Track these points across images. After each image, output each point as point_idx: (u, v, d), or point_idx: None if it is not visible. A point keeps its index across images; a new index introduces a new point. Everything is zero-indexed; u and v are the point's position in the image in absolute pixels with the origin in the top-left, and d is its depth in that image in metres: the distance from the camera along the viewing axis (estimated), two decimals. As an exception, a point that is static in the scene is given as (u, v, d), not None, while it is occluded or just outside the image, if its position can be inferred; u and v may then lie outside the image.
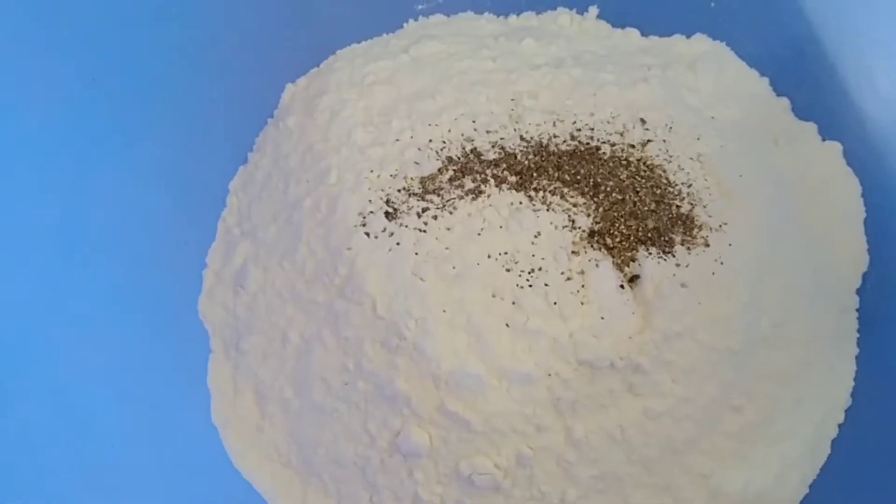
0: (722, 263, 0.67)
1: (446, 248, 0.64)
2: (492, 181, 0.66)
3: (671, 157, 0.70)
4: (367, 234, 0.65)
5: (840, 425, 0.66)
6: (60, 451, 0.55)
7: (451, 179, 0.66)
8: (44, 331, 0.57)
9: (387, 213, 0.65)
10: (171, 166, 0.68)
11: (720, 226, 0.68)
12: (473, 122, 0.70)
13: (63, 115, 0.60)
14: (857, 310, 0.70)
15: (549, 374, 0.61)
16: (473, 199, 0.65)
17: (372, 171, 0.67)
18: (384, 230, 0.65)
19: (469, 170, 0.67)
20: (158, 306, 0.65)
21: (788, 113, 0.75)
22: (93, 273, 0.61)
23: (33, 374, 0.56)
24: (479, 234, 0.64)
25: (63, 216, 0.60)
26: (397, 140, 0.69)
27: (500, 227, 0.64)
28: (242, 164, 0.74)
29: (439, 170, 0.67)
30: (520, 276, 0.63)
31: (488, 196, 0.65)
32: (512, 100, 0.71)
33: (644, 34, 0.79)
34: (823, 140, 0.73)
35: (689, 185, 0.68)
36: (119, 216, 0.64)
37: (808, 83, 0.74)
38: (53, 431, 0.55)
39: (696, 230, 0.66)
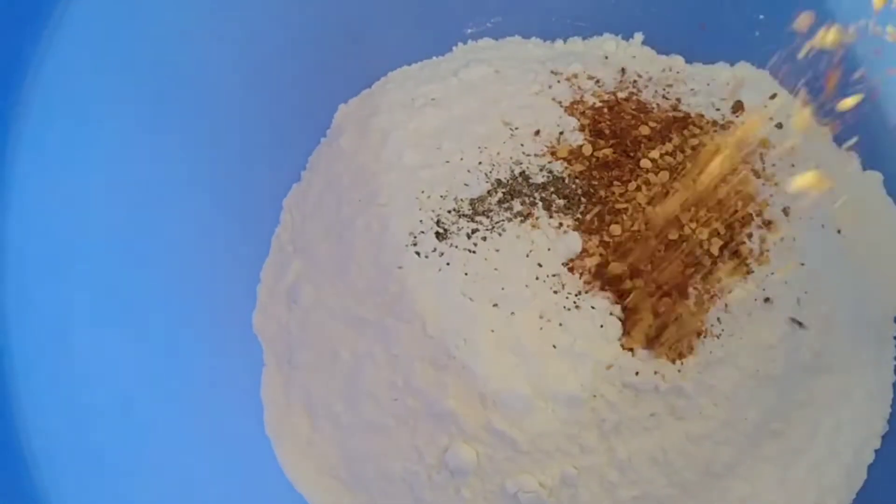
0: (764, 290, 0.69)
1: (495, 269, 0.65)
2: (540, 204, 0.68)
3: (722, 184, 0.71)
4: (418, 253, 0.66)
5: (877, 451, 0.68)
6: (118, 461, 0.57)
7: (499, 202, 0.68)
8: (103, 344, 0.59)
9: (437, 234, 0.67)
10: (227, 183, 0.69)
11: (763, 253, 0.69)
12: (522, 145, 0.71)
13: (128, 131, 0.62)
14: (895, 338, 0.71)
15: (595, 396, 0.63)
16: (522, 221, 0.67)
17: (423, 192, 0.69)
18: (434, 250, 0.66)
19: (517, 192, 0.68)
20: (214, 320, 0.66)
21: (830, 142, 0.76)
22: (151, 287, 0.63)
23: (91, 386, 0.57)
24: (527, 256, 0.66)
25: (124, 233, 0.62)
26: (447, 162, 0.71)
27: (548, 249, 0.66)
28: (296, 181, 0.75)
29: (488, 192, 0.69)
30: (567, 298, 0.65)
31: (537, 219, 0.67)
32: (558, 125, 0.72)
33: (688, 62, 0.81)
34: (865, 170, 0.75)
35: (735, 213, 0.70)
36: (177, 231, 0.66)
37: (849, 113, 0.74)
38: (112, 442, 0.57)
39: (740, 258, 0.68)
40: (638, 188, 0.68)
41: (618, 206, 0.67)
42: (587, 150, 0.70)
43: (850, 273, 0.71)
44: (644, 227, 0.67)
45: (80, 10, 0.53)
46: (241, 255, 0.71)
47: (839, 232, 0.73)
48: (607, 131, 0.72)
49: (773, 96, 0.78)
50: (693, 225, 0.68)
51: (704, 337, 0.65)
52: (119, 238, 0.60)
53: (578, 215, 0.67)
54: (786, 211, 0.72)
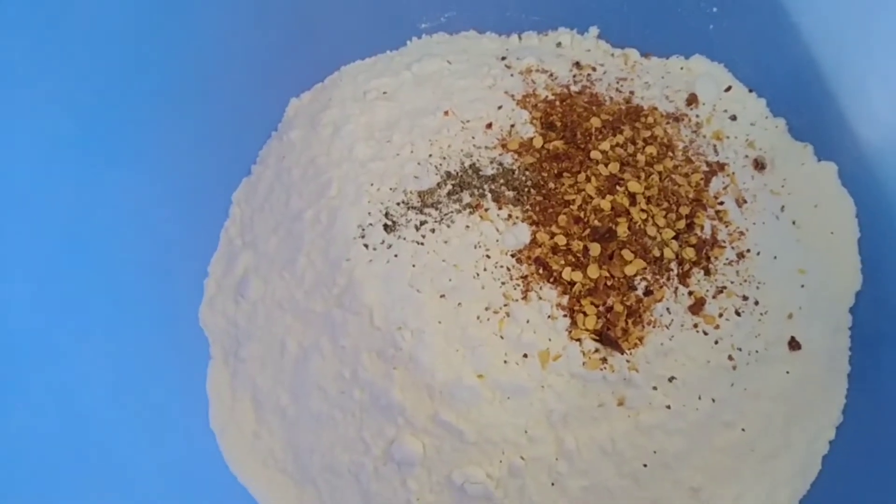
0: (717, 280, 0.68)
1: (443, 261, 0.65)
2: (489, 196, 0.67)
3: (674, 175, 0.71)
4: (366, 245, 0.66)
5: (831, 442, 0.67)
6: (59, 452, 0.56)
7: (449, 194, 0.68)
8: (46, 334, 0.58)
9: (385, 226, 0.67)
10: (176, 177, 0.69)
11: (715, 244, 0.69)
12: (473, 138, 0.71)
13: (71, 127, 0.62)
14: (850, 328, 0.70)
15: (542, 387, 0.62)
16: (470, 213, 0.67)
17: (372, 185, 0.69)
18: (383, 242, 0.66)
19: (467, 184, 0.68)
20: (160, 313, 0.66)
21: (785, 133, 0.76)
22: (96, 279, 0.62)
23: (35, 377, 0.57)
24: (475, 248, 0.65)
25: (69, 224, 0.61)
26: (397, 155, 0.70)
27: (497, 240, 0.66)
28: (246, 175, 0.75)
29: (438, 184, 0.68)
30: (514, 289, 0.64)
31: (486, 210, 0.67)
32: (509, 118, 0.72)
33: (643, 55, 0.80)
34: (819, 161, 0.74)
35: (687, 204, 0.69)
36: (124, 224, 0.65)
37: (804, 105, 0.75)
38: (53, 433, 0.56)
39: (692, 249, 0.68)
40: (587, 179, 0.68)
41: (567, 197, 0.67)
42: (538, 142, 0.70)
43: (806, 263, 0.71)
44: (593, 218, 0.66)
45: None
46: (189, 249, 0.70)
47: (794, 223, 0.73)
48: (558, 124, 0.72)
49: (728, 89, 0.78)
50: (643, 216, 0.67)
51: (654, 327, 0.65)
52: (62, 230, 0.60)
53: (527, 207, 0.67)
54: (739, 202, 0.72)
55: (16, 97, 0.57)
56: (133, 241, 0.66)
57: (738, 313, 0.68)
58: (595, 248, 0.65)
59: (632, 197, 0.68)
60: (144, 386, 0.63)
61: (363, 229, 0.67)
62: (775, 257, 0.70)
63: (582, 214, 0.67)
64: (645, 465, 0.63)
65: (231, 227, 0.73)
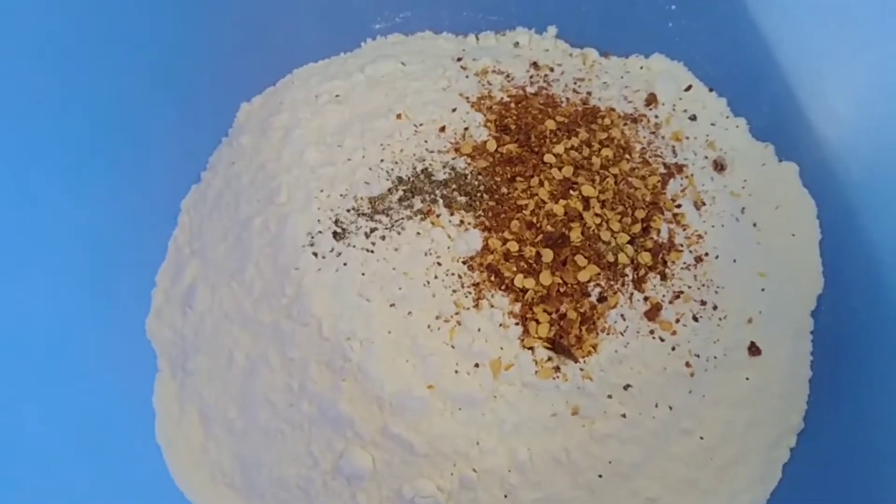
0: (674, 284, 0.67)
1: (393, 269, 0.64)
2: (441, 201, 0.66)
3: (631, 177, 0.70)
4: (315, 254, 0.65)
5: (792, 449, 0.66)
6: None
7: (400, 200, 0.66)
8: None
9: (335, 234, 0.65)
10: (122, 184, 0.67)
11: (672, 248, 0.68)
12: (426, 141, 0.70)
13: (9, 132, 0.60)
14: (812, 332, 0.69)
15: (494, 397, 0.61)
16: (422, 219, 0.65)
17: (322, 191, 0.67)
18: (332, 250, 0.64)
19: (419, 190, 0.67)
20: (106, 325, 0.64)
21: (746, 133, 0.75)
22: (41, 288, 0.61)
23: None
24: (426, 255, 0.64)
25: (11, 231, 0.60)
26: (349, 160, 0.69)
27: (448, 247, 0.64)
28: (195, 182, 0.74)
29: (389, 190, 0.67)
30: (466, 297, 0.63)
31: (437, 216, 0.65)
32: (464, 121, 0.71)
33: (602, 54, 0.79)
34: (781, 161, 0.73)
35: (643, 208, 0.68)
36: (69, 233, 0.64)
37: (765, 104, 0.73)
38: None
39: (648, 253, 0.66)
40: (540, 183, 0.67)
41: (519, 202, 0.66)
42: (491, 145, 0.69)
43: (766, 266, 0.70)
44: (546, 223, 0.65)
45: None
46: (135, 258, 0.68)
47: (754, 225, 0.71)
48: (513, 126, 0.70)
49: (688, 88, 0.76)
50: (597, 221, 0.66)
51: (608, 334, 0.64)
52: (4, 239, 0.58)
53: (480, 212, 0.66)
54: (697, 204, 0.70)
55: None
56: (77, 251, 0.64)
57: (695, 319, 0.67)
58: (547, 254, 0.64)
59: (585, 201, 0.66)
60: (88, 399, 0.61)
61: (312, 237, 0.65)
62: (735, 260, 0.69)
63: (535, 220, 0.65)
64: (600, 476, 0.62)
65: (180, 236, 0.71)
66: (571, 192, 0.67)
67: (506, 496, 0.61)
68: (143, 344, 0.67)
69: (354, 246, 0.64)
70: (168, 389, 0.66)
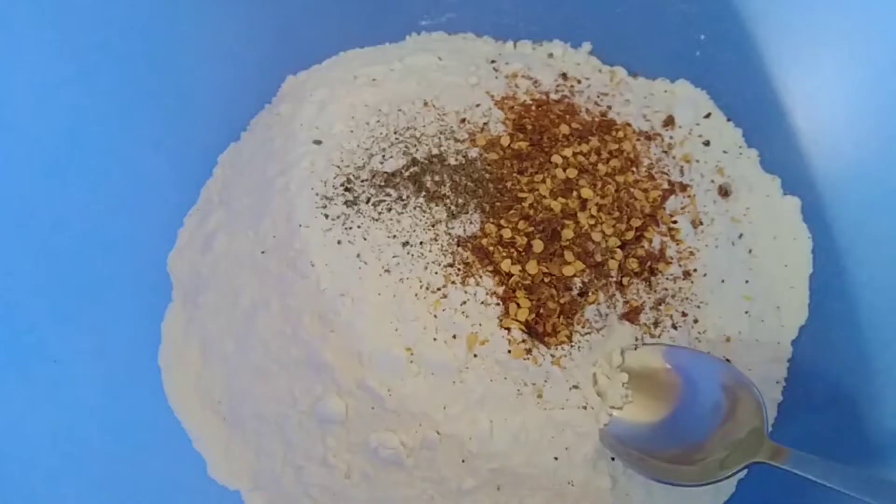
0: (657, 293, 0.70)
1: (393, 237, 0.68)
2: (448, 184, 0.71)
3: (633, 188, 0.74)
4: (326, 216, 0.70)
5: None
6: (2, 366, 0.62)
7: (411, 177, 0.71)
8: (21, 267, 0.64)
9: (346, 201, 0.71)
10: (169, 131, 0.75)
11: (661, 259, 0.71)
12: (446, 130, 0.75)
13: (70, 66, 0.68)
14: (789, 360, 0.71)
15: (467, 368, 0.65)
16: (428, 198, 0.70)
17: (342, 161, 0.73)
18: (340, 215, 0.70)
19: (430, 171, 0.72)
20: (132, 253, 0.71)
21: (756, 165, 0.77)
22: (78, 214, 0.68)
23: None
24: (425, 230, 0.69)
25: (57, 158, 0.67)
26: (371, 136, 0.75)
27: (448, 226, 0.69)
28: (235, 140, 0.81)
29: (403, 167, 0.72)
30: (456, 273, 0.67)
31: (442, 196, 0.70)
32: (485, 116, 0.76)
33: (631, 74, 0.83)
34: (785, 194, 0.75)
35: (639, 217, 0.72)
36: (114, 167, 0.71)
37: (778, 139, 0.76)
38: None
39: (636, 260, 0.70)
40: (543, 180, 0.71)
41: (520, 195, 0.70)
42: (505, 141, 0.73)
43: (753, 291, 0.72)
44: (542, 217, 0.69)
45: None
46: (170, 199, 0.76)
47: (750, 251, 0.74)
48: (529, 127, 0.75)
49: (708, 115, 0.79)
50: (591, 222, 0.70)
51: (583, 328, 0.67)
52: (50, 164, 0.66)
53: (482, 199, 0.70)
54: (695, 223, 0.73)
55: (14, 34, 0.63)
56: (119, 184, 0.72)
57: (674, 327, 0.69)
58: (538, 245, 0.68)
59: (583, 202, 0.70)
60: (103, 312, 0.68)
61: (326, 200, 0.71)
62: (723, 281, 0.72)
63: (532, 212, 0.69)
64: (556, 459, 0.65)
65: (212, 186, 0.78)
66: (571, 192, 0.71)
67: (463, 461, 0.64)
68: (162, 275, 0.74)
69: (361, 213, 0.70)
70: (177, 319, 0.73)
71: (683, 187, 0.75)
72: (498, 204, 0.70)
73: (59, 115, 0.67)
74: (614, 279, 0.69)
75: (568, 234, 0.68)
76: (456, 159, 0.73)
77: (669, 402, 0.65)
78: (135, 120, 0.73)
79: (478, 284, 0.67)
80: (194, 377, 0.70)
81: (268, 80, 0.82)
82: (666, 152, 0.77)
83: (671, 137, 0.78)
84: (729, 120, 0.79)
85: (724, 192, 0.75)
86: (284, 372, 0.68)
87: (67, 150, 0.68)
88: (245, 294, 0.71)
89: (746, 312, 0.71)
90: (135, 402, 0.67)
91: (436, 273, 0.67)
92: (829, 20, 0.72)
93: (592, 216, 0.70)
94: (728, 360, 0.69)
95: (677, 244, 0.72)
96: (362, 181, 0.72)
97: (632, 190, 0.73)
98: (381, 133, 0.75)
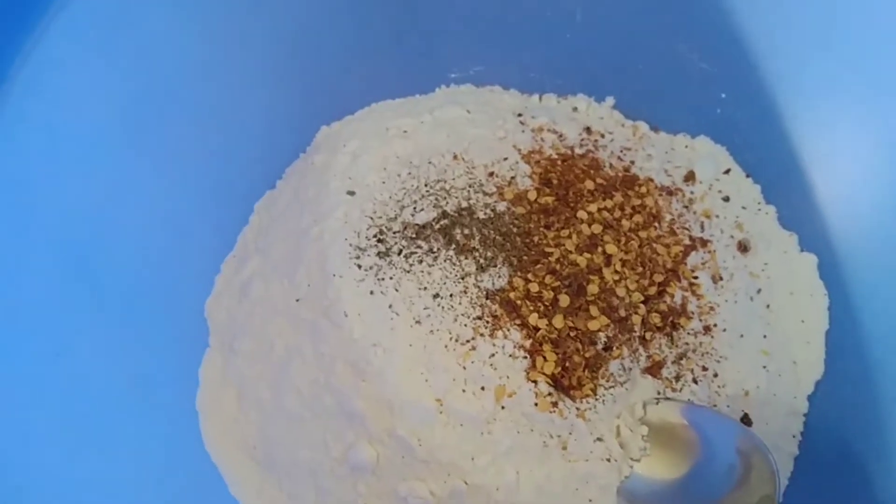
0: (679, 348, 0.73)
1: (424, 289, 0.71)
2: (477, 237, 0.73)
3: (655, 244, 0.76)
4: (359, 266, 0.73)
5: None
6: (51, 408, 0.64)
7: (441, 230, 0.74)
8: (67, 305, 0.67)
9: (379, 252, 0.73)
10: (209, 181, 0.77)
11: (683, 314, 0.73)
12: (475, 183, 0.77)
13: (115, 116, 0.70)
14: (805, 414, 0.73)
15: (494, 419, 0.68)
16: (457, 251, 0.73)
17: (375, 213, 0.76)
18: (373, 266, 0.72)
19: (460, 224, 0.74)
20: (171, 300, 0.74)
21: (774, 221, 0.80)
22: (116, 261, 0.71)
23: (39, 337, 0.65)
24: (455, 283, 0.71)
25: (101, 209, 0.70)
26: (403, 188, 0.77)
27: (477, 279, 0.72)
28: (270, 188, 0.83)
29: (434, 219, 0.75)
30: (485, 325, 0.70)
31: (472, 250, 0.73)
32: (512, 170, 0.78)
33: (653, 129, 0.86)
34: (802, 251, 0.78)
35: (662, 272, 0.74)
36: (153, 216, 0.74)
37: (796, 196, 0.78)
38: (47, 389, 0.64)
39: (659, 315, 0.72)
40: (569, 236, 0.73)
41: (547, 249, 0.73)
42: (532, 195, 0.76)
43: (771, 346, 0.74)
44: (568, 272, 0.71)
45: (78, 8, 0.61)
46: (208, 246, 0.78)
47: (768, 306, 0.76)
48: (555, 181, 0.77)
49: (727, 171, 0.82)
50: (615, 277, 0.72)
51: (608, 382, 0.69)
52: (88, 205, 0.68)
53: (510, 253, 0.73)
54: (715, 278, 0.76)
55: (67, 89, 0.66)
56: (159, 231, 0.74)
57: (695, 381, 0.72)
58: (564, 300, 0.70)
59: (607, 258, 0.73)
60: (144, 358, 0.70)
61: (359, 251, 0.74)
62: (742, 336, 0.74)
63: (558, 267, 0.72)
64: (577, 511, 0.67)
65: (248, 233, 0.81)
66: (596, 247, 0.73)
67: (489, 511, 0.67)
68: (200, 321, 0.77)
69: (393, 265, 0.72)
70: (214, 364, 0.75)
71: (704, 242, 0.77)
72: (525, 258, 0.73)
73: (103, 165, 0.69)
74: (637, 334, 0.71)
75: (593, 289, 0.71)
76: (485, 213, 0.75)
77: (685, 461, 0.68)
78: (175, 168, 0.75)
79: (506, 337, 0.69)
80: (231, 422, 0.73)
81: (302, 130, 0.84)
82: (687, 207, 0.79)
83: (692, 192, 0.80)
84: (748, 176, 0.82)
85: (743, 247, 0.78)
86: (317, 419, 0.70)
87: (112, 199, 0.70)
88: (280, 341, 0.73)
89: (764, 367, 0.73)
90: (173, 445, 0.70)
91: (465, 325, 0.70)
92: (848, 81, 0.74)
93: (617, 272, 0.72)
94: (747, 415, 0.71)
95: (698, 299, 0.74)
96: (394, 233, 0.75)
97: (654, 245, 0.75)
98: (412, 185, 0.77)
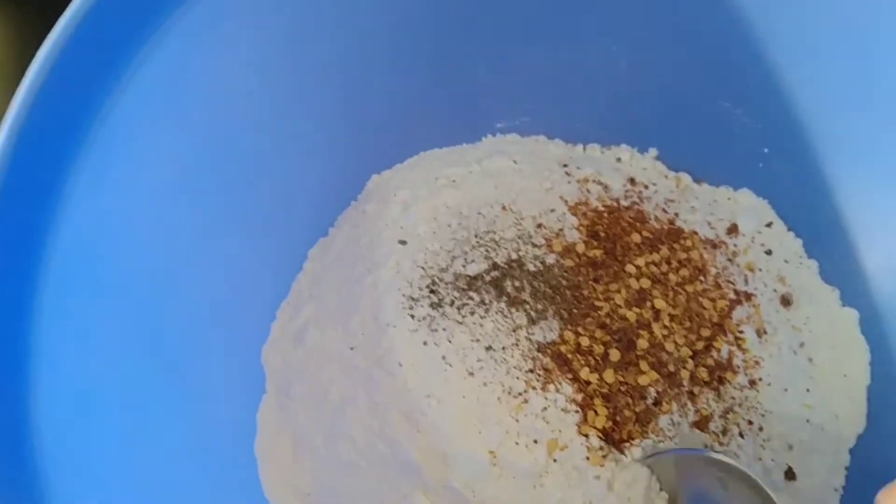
0: (725, 402, 0.74)
1: (476, 341, 0.73)
2: (528, 290, 0.75)
3: (701, 297, 0.78)
4: (412, 316, 0.74)
5: (809, 574, 0.72)
6: (113, 456, 0.65)
7: (492, 281, 0.76)
8: (117, 348, 0.68)
9: (432, 303, 0.75)
10: (263, 229, 0.79)
11: (729, 368, 0.75)
12: (523, 234, 0.79)
13: (176, 175, 0.71)
14: (847, 468, 0.75)
15: (546, 473, 0.69)
16: (508, 303, 0.75)
17: (426, 263, 0.78)
18: (426, 316, 0.74)
19: (510, 276, 0.76)
20: (229, 346, 0.76)
21: (816, 275, 0.81)
22: (178, 311, 0.72)
23: (108, 385, 0.66)
24: (507, 335, 0.73)
25: (159, 257, 0.71)
26: (453, 238, 0.79)
27: (528, 332, 0.73)
28: (323, 236, 0.85)
29: (485, 271, 0.77)
30: (537, 378, 0.72)
31: (522, 303, 0.74)
32: (559, 221, 0.80)
33: (696, 181, 0.87)
34: (843, 306, 0.80)
35: (709, 327, 0.76)
36: (210, 266, 0.75)
37: (837, 252, 0.80)
38: (110, 438, 0.65)
39: (706, 370, 0.74)
40: (618, 290, 0.75)
41: (597, 303, 0.74)
42: (580, 248, 0.78)
43: (814, 400, 0.76)
44: (617, 326, 0.73)
45: (152, 68, 0.63)
46: (263, 294, 0.80)
47: (810, 360, 0.78)
48: (602, 234, 0.79)
49: (769, 224, 0.84)
50: (664, 332, 0.74)
51: (657, 436, 0.71)
52: (152, 263, 0.70)
53: (561, 306, 0.75)
54: (759, 332, 0.77)
55: (137, 151, 0.67)
56: (217, 279, 0.76)
57: (741, 435, 0.73)
58: (614, 355, 0.72)
59: (656, 313, 0.75)
60: (203, 406, 0.72)
61: (412, 301, 0.75)
62: (786, 389, 0.76)
63: (608, 321, 0.74)
64: (629, 562, 0.69)
65: (302, 280, 0.83)
66: (645, 302, 0.75)
67: (541, 562, 0.69)
68: (257, 367, 0.79)
69: (446, 315, 0.74)
70: (271, 409, 0.77)
71: (748, 296, 0.79)
72: (575, 311, 0.74)
73: (168, 220, 0.71)
74: (686, 388, 0.73)
75: (643, 343, 0.73)
76: (534, 265, 0.77)
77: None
78: (234, 218, 0.77)
79: (558, 391, 0.71)
80: (287, 468, 0.74)
81: (353, 178, 0.86)
82: (730, 260, 0.81)
83: (735, 245, 0.82)
84: (790, 230, 0.83)
85: (786, 301, 0.79)
86: (372, 468, 0.72)
87: (175, 252, 0.72)
88: (334, 388, 0.75)
89: (808, 421, 0.75)
90: (231, 490, 0.72)
91: (517, 378, 0.72)
92: (891, 138, 0.76)
93: (665, 326, 0.74)
94: (791, 469, 0.73)
95: (743, 353, 0.76)
96: (446, 283, 0.76)
97: (700, 299, 0.77)
98: (462, 236, 0.79)
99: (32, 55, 0.54)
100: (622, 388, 0.71)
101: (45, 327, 0.59)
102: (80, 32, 0.54)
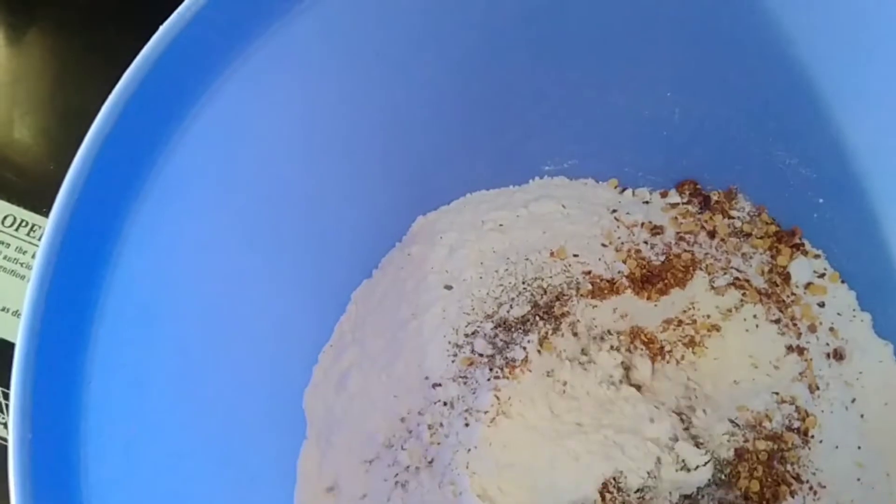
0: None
1: (518, 383, 0.71)
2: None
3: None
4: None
5: None
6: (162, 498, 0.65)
7: (532, 323, 0.75)
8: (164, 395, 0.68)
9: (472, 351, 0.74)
10: (307, 270, 0.78)
11: (787, 428, 0.74)
12: (571, 281, 0.78)
13: (225, 223, 0.71)
14: (905, 532, 0.73)
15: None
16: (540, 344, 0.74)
17: (473, 309, 0.77)
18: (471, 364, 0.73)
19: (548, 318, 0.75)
20: (270, 391, 0.74)
21: (869, 329, 0.80)
22: (220, 356, 0.72)
23: (155, 433, 0.66)
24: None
25: (207, 304, 0.70)
26: (500, 284, 0.78)
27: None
28: (367, 278, 0.84)
29: (528, 313, 0.76)
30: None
31: (563, 350, 0.73)
32: (608, 268, 0.79)
33: (748, 229, 0.86)
34: (898, 361, 0.78)
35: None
36: (260, 308, 0.74)
37: (892, 305, 0.78)
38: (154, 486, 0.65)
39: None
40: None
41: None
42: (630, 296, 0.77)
43: (865, 458, 0.74)
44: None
45: (208, 118, 0.63)
46: (306, 336, 0.79)
47: (862, 416, 0.76)
48: (653, 282, 0.78)
49: (822, 275, 0.82)
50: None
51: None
52: (201, 307, 0.69)
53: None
54: (811, 387, 0.76)
55: (193, 200, 0.67)
56: (265, 325, 0.75)
57: (792, 494, 0.72)
58: None
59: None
60: (242, 453, 0.71)
61: (457, 348, 0.74)
62: (837, 447, 0.74)
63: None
64: None
65: (345, 322, 0.82)
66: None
67: None
68: (298, 411, 0.78)
69: (487, 365, 0.73)
70: (311, 456, 0.76)
71: (801, 350, 0.77)
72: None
73: (221, 266, 0.71)
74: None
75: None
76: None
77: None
78: (281, 261, 0.76)
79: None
80: (327, 517, 0.74)
81: (398, 220, 0.85)
82: (782, 311, 0.79)
83: (788, 297, 0.81)
84: (843, 282, 0.82)
85: (839, 355, 0.78)
86: (409, 520, 0.71)
87: (225, 298, 0.71)
88: (378, 437, 0.74)
89: (858, 479, 0.73)
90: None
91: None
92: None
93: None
94: (842, 529, 0.71)
95: (797, 411, 0.74)
96: (493, 328, 0.75)
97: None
98: (509, 282, 0.78)
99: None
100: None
101: (98, 374, 0.59)
102: (145, 85, 0.54)
